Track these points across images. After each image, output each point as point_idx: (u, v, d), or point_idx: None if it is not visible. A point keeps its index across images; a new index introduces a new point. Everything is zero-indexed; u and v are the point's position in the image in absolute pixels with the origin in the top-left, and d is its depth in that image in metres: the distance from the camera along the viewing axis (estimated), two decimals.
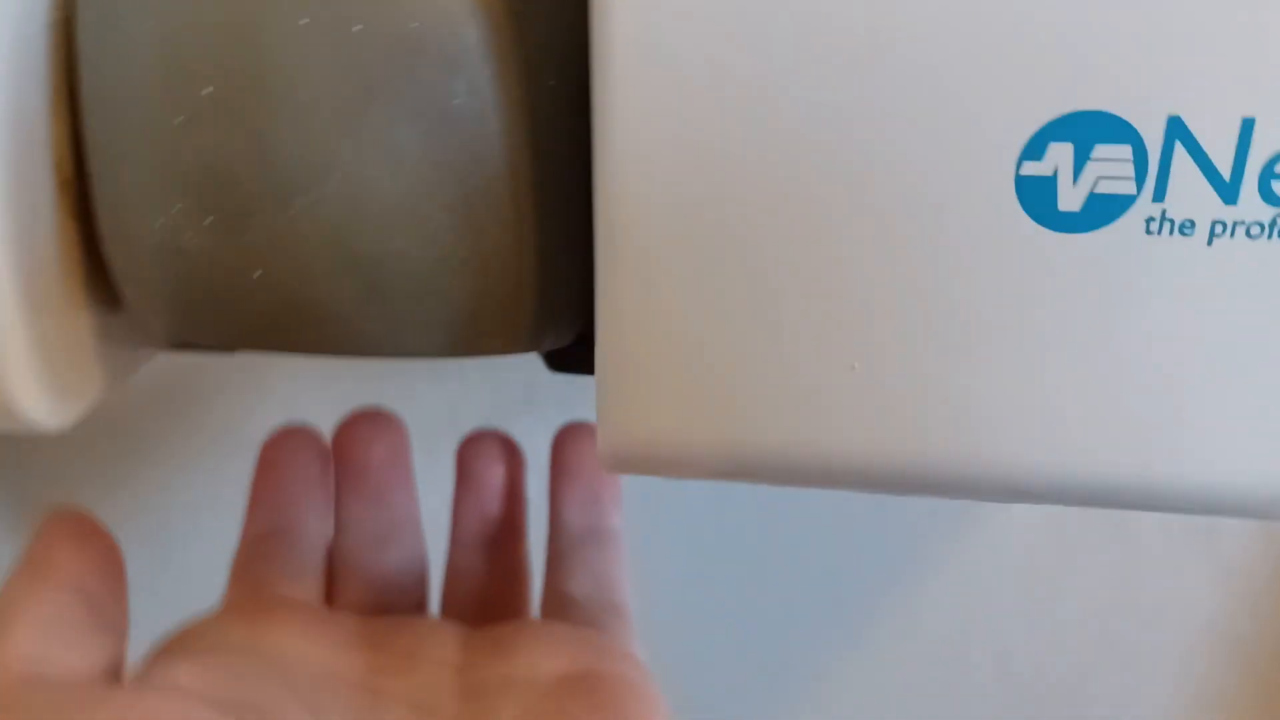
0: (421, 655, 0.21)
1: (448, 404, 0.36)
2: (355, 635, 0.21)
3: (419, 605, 0.23)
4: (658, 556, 0.36)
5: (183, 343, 0.20)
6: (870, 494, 0.16)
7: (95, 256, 0.18)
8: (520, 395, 0.36)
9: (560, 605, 0.23)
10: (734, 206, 0.14)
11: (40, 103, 0.17)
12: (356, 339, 0.16)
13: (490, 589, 0.24)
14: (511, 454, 0.25)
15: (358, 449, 0.24)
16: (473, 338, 0.17)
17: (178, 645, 0.20)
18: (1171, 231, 0.14)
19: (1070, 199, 0.14)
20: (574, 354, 0.20)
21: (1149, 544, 0.36)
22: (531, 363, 0.34)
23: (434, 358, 0.17)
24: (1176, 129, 0.13)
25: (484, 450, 0.25)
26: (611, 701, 0.19)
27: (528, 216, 0.16)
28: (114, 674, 0.19)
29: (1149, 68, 0.13)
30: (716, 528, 0.38)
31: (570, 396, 0.35)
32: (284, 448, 0.24)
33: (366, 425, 0.24)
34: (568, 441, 0.25)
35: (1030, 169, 0.13)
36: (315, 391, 0.35)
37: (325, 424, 0.25)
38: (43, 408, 0.17)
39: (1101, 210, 0.14)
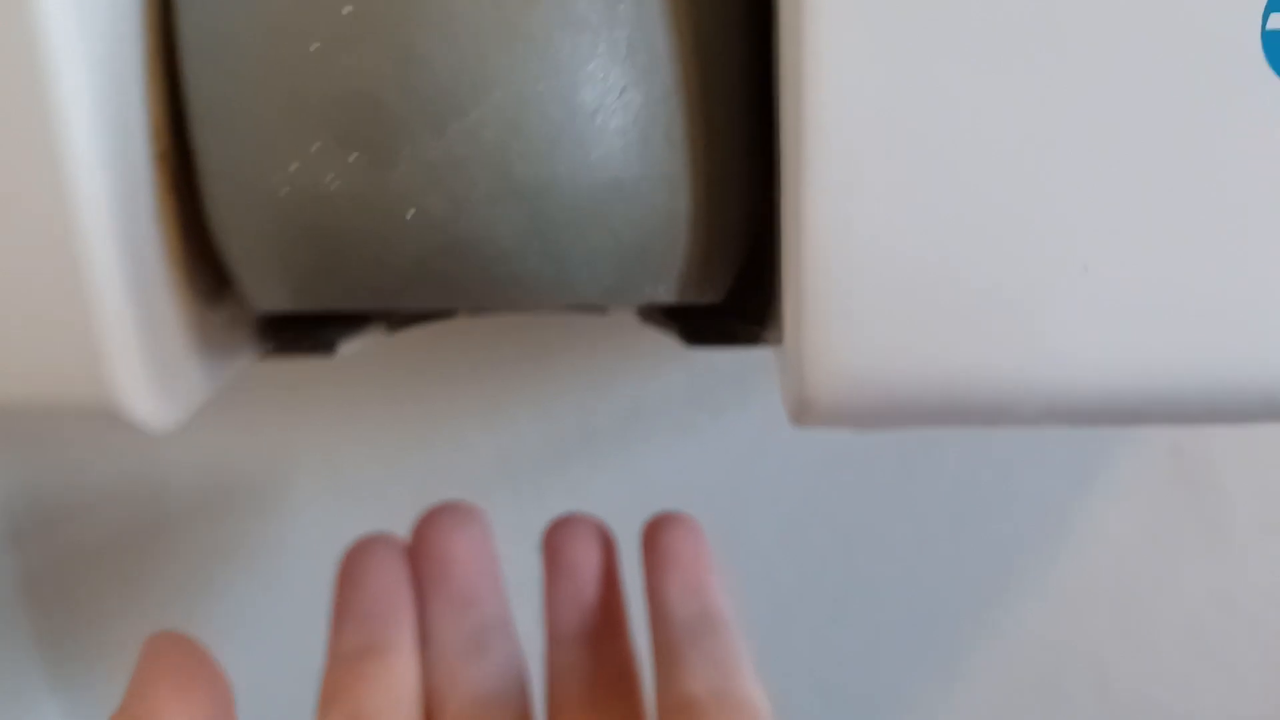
0: None
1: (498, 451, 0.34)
2: None
3: (523, 715, 0.21)
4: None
5: (282, 342, 0.19)
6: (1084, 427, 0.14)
7: (193, 239, 0.17)
8: (576, 439, 0.35)
9: (682, 707, 0.20)
10: (951, 87, 0.13)
11: (134, 67, 0.15)
12: (517, 280, 0.15)
13: (599, 690, 0.22)
14: (604, 538, 0.23)
15: (439, 548, 0.22)
16: (637, 276, 0.15)
17: None
18: None
19: None
20: (712, 325, 0.18)
21: (1243, 547, 0.35)
22: (585, 406, 0.33)
23: (595, 302, 0.15)
24: None
25: (575, 534, 0.23)
26: None
27: (696, 138, 0.14)
28: None
29: None
30: (795, 557, 0.36)
31: (628, 438, 0.34)
32: (366, 559, 0.22)
33: (447, 520, 0.22)
34: (661, 530, 0.23)
35: (1276, 22, 0.12)
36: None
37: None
38: (150, 406, 0.16)
39: None
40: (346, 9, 0.13)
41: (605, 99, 0.14)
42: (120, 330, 0.15)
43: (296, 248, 0.15)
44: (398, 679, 0.21)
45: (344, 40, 0.13)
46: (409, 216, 0.14)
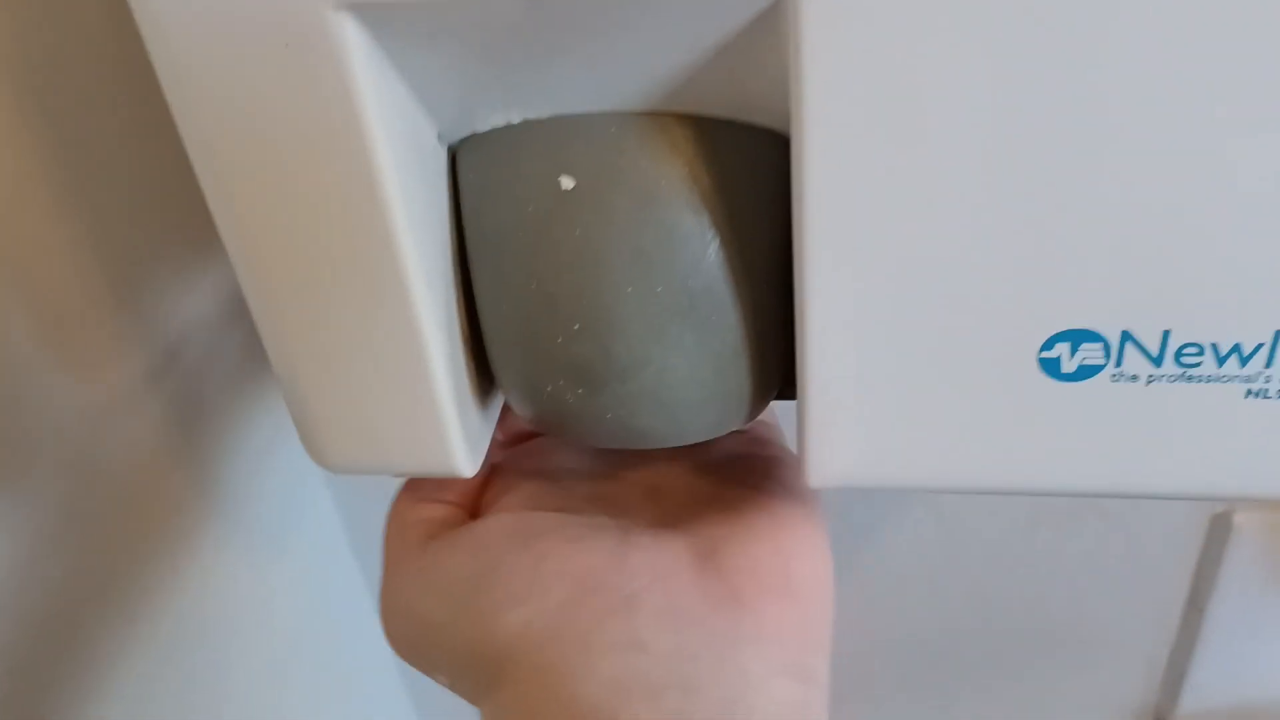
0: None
1: None
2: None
3: None
4: None
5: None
6: None
7: (479, 365, 0.30)
8: None
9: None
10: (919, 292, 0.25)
11: (454, 301, 0.28)
12: (659, 440, 0.28)
13: None
14: None
15: None
16: (719, 429, 0.29)
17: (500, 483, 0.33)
18: (1125, 381, 0.25)
19: (1069, 366, 0.25)
20: None
21: None
22: None
23: (698, 441, 0.29)
24: (1128, 335, 0.24)
25: None
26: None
27: (756, 370, 0.27)
28: None
29: (1112, 308, 0.24)
30: None
31: None
32: None
33: None
34: None
35: (1046, 354, 0.24)
36: None
37: None
38: (468, 462, 0.30)
39: (1086, 371, 0.25)
40: (576, 326, 0.26)
41: (707, 357, 0.27)
42: (450, 424, 0.29)
43: (548, 421, 0.28)
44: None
45: (574, 340, 0.26)
46: (608, 417, 0.27)
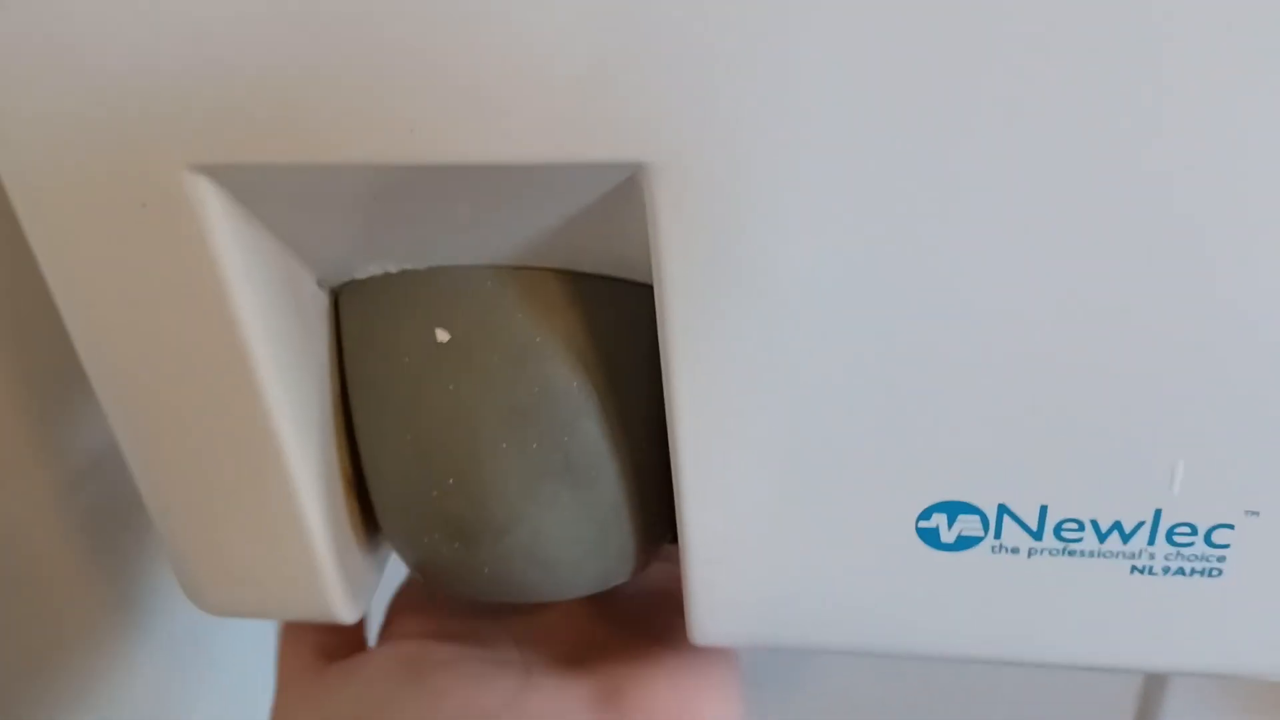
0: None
1: None
2: None
3: None
4: None
5: None
6: None
7: (365, 509, 0.29)
8: None
9: None
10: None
11: (333, 447, 0.28)
12: (537, 594, 0.27)
13: None
14: None
15: None
16: (603, 583, 0.28)
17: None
18: (1005, 553, 0.24)
19: (948, 537, 0.24)
20: None
21: None
22: None
23: (581, 595, 0.28)
24: (1005, 509, 0.23)
25: None
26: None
27: (638, 525, 0.27)
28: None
29: (988, 482, 0.23)
30: None
31: None
32: None
33: None
34: None
35: (924, 524, 0.24)
36: None
37: None
38: (348, 609, 0.29)
39: (966, 542, 0.24)
40: (450, 481, 0.25)
41: (582, 515, 0.26)
42: (329, 571, 0.28)
43: (428, 572, 0.28)
44: None
45: (448, 495, 0.26)
46: (485, 572, 0.26)
